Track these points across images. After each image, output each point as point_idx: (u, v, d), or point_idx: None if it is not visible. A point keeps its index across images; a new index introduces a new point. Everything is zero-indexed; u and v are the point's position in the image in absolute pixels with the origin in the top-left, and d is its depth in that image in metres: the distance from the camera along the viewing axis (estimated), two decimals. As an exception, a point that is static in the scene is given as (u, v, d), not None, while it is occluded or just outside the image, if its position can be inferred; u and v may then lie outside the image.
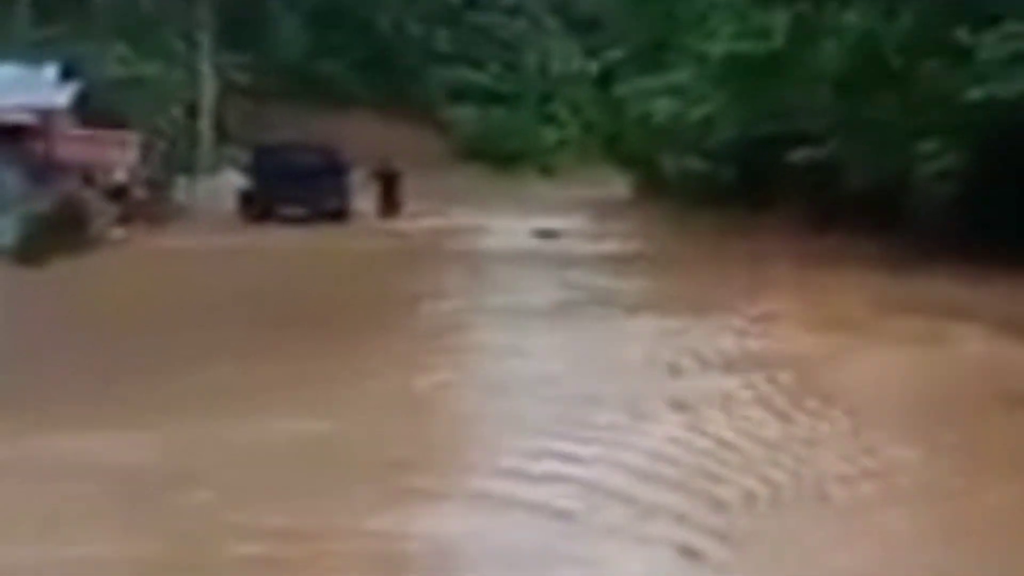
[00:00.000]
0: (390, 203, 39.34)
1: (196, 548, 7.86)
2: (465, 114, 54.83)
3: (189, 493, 8.93)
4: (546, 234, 30.87)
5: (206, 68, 42.30)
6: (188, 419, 11.38)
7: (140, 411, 11.82)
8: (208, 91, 42.27)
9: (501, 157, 52.71)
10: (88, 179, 31.28)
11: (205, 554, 7.79)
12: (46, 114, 30.35)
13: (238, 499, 8.80)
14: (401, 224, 36.81)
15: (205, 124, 41.98)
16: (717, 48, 27.77)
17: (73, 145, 30.98)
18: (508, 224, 34.28)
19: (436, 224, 35.59)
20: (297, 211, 37.01)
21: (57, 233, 27.37)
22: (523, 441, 10.48)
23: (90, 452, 10.19)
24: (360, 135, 41.77)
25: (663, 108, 33.79)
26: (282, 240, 32.74)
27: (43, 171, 29.45)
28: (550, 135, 54.90)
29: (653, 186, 41.54)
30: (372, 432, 11.07)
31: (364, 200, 38.78)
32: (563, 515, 8.43)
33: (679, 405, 11.65)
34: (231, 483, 9.23)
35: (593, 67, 45.11)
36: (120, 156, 33.20)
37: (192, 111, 41.16)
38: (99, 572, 7.66)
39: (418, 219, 36.85)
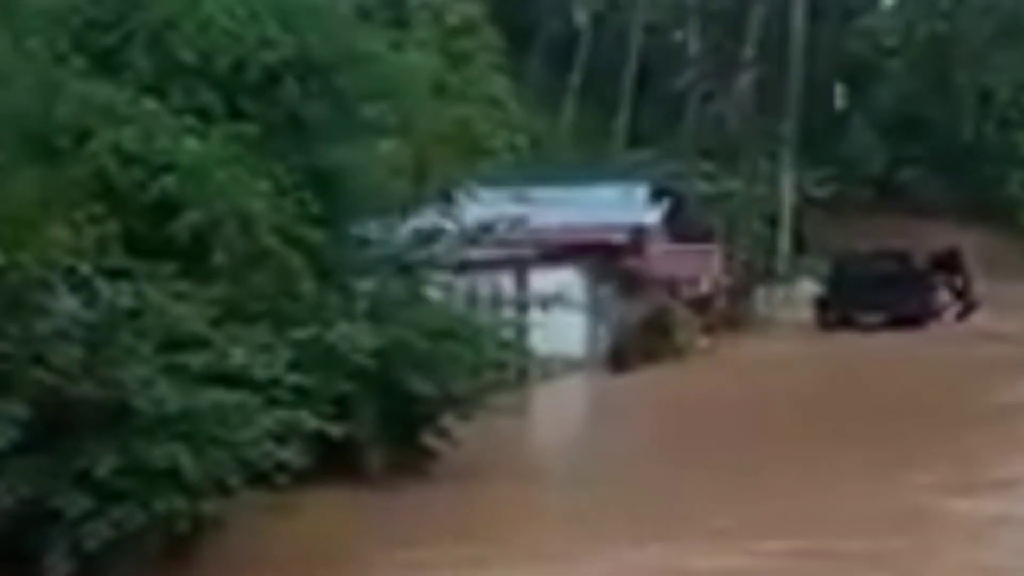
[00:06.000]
0: (964, 303, 40.06)
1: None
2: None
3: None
4: None
5: (787, 183, 44.39)
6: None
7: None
8: (787, 204, 44.30)
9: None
10: (674, 291, 33.52)
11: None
12: (638, 232, 32.54)
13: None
14: (976, 327, 37.28)
15: (784, 235, 43.97)
16: None
17: (661, 260, 33.20)
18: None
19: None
20: (875, 317, 38.35)
21: (645, 342, 29.97)
22: None
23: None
24: (938, 242, 42.57)
25: None
26: (859, 346, 34.02)
27: (634, 285, 31.99)
28: None
29: None
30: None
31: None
32: None
33: None
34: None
35: None
36: (704, 268, 35.13)
37: (772, 223, 43.08)
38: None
39: (995, 322, 37.13)
